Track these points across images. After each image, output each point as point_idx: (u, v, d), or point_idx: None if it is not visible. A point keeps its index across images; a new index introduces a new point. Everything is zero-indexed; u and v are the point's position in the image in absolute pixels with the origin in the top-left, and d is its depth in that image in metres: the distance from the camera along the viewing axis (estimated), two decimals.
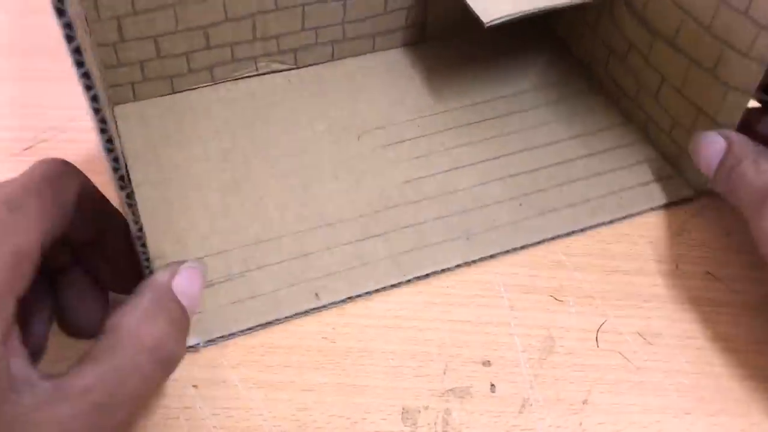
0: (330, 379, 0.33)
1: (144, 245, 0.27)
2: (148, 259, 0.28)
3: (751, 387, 0.33)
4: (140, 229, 0.27)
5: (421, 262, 0.36)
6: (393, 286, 0.35)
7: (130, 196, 0.25)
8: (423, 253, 0.36)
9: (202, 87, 0.44)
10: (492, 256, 0.37)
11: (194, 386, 0.32)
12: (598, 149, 0.42)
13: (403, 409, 0.32)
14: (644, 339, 0.34)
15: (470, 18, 0.47)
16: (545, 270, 0.37)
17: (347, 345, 0.34)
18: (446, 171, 0.40)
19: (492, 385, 0.32)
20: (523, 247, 0.37)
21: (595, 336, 0.34)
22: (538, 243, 0.37)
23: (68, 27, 0.20)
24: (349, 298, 0.35)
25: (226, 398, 0.32)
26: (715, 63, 0.36)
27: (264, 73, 0.45)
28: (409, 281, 0.36)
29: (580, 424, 0.32)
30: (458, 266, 0.36)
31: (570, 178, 0.40)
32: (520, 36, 0.47)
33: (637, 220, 0.39)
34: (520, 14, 0.37)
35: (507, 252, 0.37)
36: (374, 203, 0.38)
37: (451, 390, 0.32)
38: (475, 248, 0.37)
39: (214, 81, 0.44)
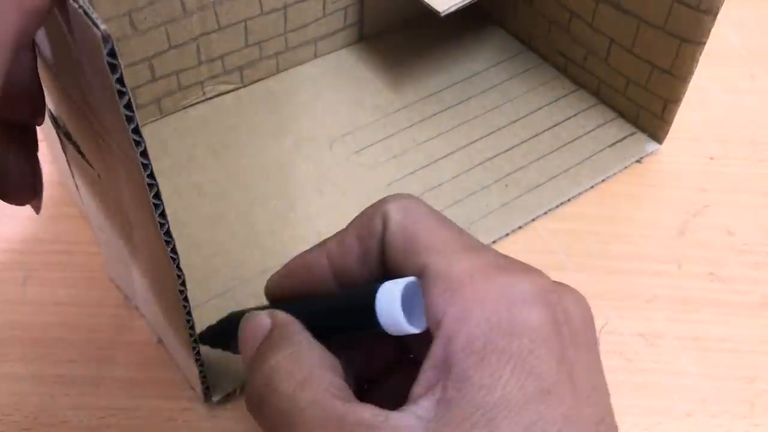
0: None
1: (186, 299, 0.25)
2: (189, 313, 0.26)
3: (753, 388, 0.33)
4: (182, 283, 0.25)
5: None
6: None
7: (174, 250, 0.23)
8: None
9: (152, 122, 0.41)
10: (494, 242, 0.37)
11: (192, 388, 0.32)
12: (559, 119, 0.43)
13: None
14: (646, 340, 0.34)
15: (405, 11, 0.47)
16: (546, 270, 0.36)
17: None
18: (425, 166, 0.40)
19: None
20: (520, 227, 0.38)
21: None
22: (532, 221, 0.38)
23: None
24: None
25: (224, 399, 0.31)
26: (665, 19, 0.38)
27: (211, 97, 0.43)
28: None
29: None
30: None
31: (543, 151, 0.41)
32: (456, 23, 0.47)
33: (636, 216, 0.39)
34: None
35: (507, 235, 0.37)
36: None
37: None
38: (479, 237, 0.37)
39: (162, 114, 0.41)
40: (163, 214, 0.22)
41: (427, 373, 0.21)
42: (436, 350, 0.21)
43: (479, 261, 0.22)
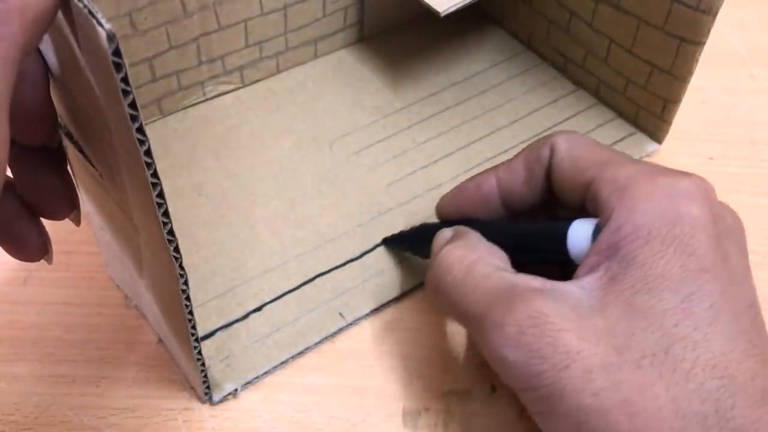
0: (330, 380, 0.32)
1: (188, 298, 0.25)
2: (191, 312, 0.26)
3: None
4: (185, 282, 0.25)
5: None
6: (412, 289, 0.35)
7: (176, 249, 0.23)
8: None
9: (152, 122, 0.41)
10: None
11: (192, 388, 0.32)
12: (559, 119, 0.43)
13: (404, 410, 0.31)
14: None
15: (405, 11, 0.47)
16: None
17: (347, 346, 0.33)
18: (425, 167, 0.40)
19: (492, 387, 0.32)
20: None
21: None
22: None
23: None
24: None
25: (224, 399, 0.31)
26: (665, 19, 0.38)
27: (212, 97, 0.43)
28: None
29: None
30: None
31: None
32: (455, 23, 0.47)
33: None
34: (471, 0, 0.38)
35: None
36: (366, 212, 0.38)
37: (451, 391, 0.32)
38: None
39: (163, 114, 0.41)
40: (166, 213, 0.22)
41: (590, 258, 0.25)
42: (602, 238, 0.24)
43: (643, 167, 0.26)
